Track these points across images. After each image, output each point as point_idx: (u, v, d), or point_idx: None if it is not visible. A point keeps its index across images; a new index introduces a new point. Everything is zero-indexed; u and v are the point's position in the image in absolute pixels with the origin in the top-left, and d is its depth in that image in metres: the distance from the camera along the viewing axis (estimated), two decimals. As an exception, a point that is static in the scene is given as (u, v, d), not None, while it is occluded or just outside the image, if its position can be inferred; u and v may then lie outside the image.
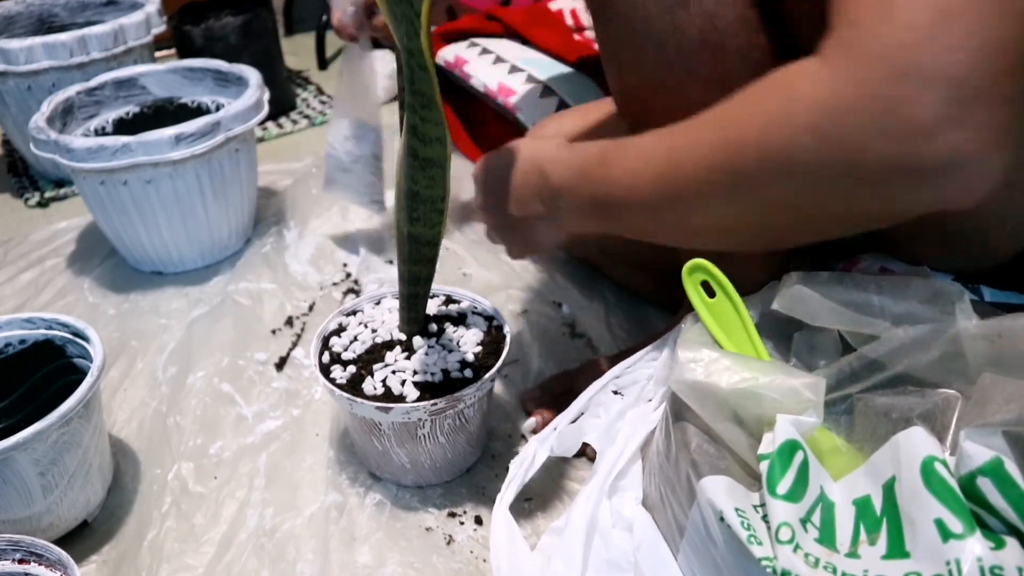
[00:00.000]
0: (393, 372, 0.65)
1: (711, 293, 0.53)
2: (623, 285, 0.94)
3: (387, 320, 0.71)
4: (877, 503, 0.42)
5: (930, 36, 0.37)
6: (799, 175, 0.42)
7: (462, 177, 1.20)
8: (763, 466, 0.43)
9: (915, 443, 0.41)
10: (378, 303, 0.74)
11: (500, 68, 1.18)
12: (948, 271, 0.56)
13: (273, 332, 0.91)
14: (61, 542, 0.65)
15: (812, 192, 0.42)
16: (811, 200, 0.43)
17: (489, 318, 0.72)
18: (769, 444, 0.44)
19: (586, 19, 1.27)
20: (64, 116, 1.04)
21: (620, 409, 0.62)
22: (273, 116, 1.49)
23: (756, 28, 0.52)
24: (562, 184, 0.57)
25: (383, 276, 1.00)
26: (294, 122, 1.48)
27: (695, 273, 0.53)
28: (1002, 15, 0.37)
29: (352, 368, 0.66)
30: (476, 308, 0.73)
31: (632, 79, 0.58)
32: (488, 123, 1.23)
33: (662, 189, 0.49)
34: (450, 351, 0.67)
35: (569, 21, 1.29)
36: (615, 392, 0.64)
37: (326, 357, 0.69)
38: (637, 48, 0.55)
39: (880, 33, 0.38)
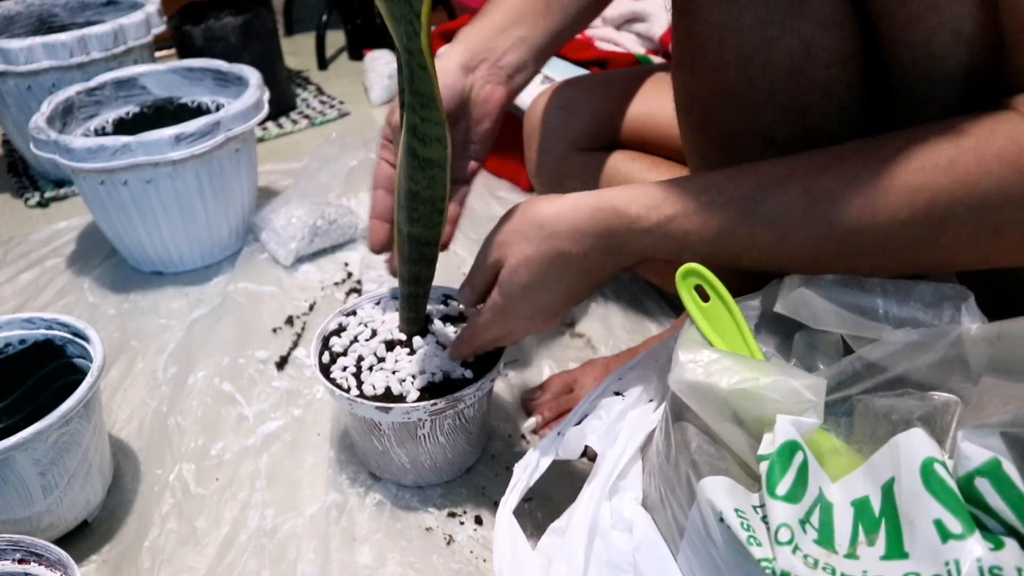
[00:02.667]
0: (393, 372, 0.65)
1: (706, 297, 0.53)
2: (634, 273, 0.92)
3: (387, 320, 0.71)
4: (876, 504, 0.42)
5: None
6: (997, 225, 0.42)
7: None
8: (763, 467, 0.43)
9: (915, 444, 0.41)
10: (378, 303, 0.75)
11: (500, 67, 1.18)
12: None
13: (274, 331, 0.91)
14: (61, 542, 0.65)
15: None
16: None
17: (489, 318, 0.72)
18: (769, 445, 0.44)
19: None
20: (64, 116, 1.04)
21: (621, 410, 0.62)
22: (273, 116, 1.49)
23: (850, 64, 0.48)
24: (631, 208, 0.51)
25: (383, 276, 1.00)
26: (294, 122, 1.48)
27: (689, 277, 0.53)
28: None
29: (352, 368, 0.66)
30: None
31: (706, 86, 0.54)
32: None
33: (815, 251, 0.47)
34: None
35: (569, 20, 1.28)
36: (616, 393, 0.64)
37: (326, 357, 0.69)
38: (720, 57, 0.51)
39: None
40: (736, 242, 0.49)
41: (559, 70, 1.14)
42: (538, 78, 1.12)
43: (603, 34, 1.24)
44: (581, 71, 1.14)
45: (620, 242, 0.52)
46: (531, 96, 1.10)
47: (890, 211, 0.44)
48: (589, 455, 0.70)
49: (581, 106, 0.81)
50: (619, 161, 0.80)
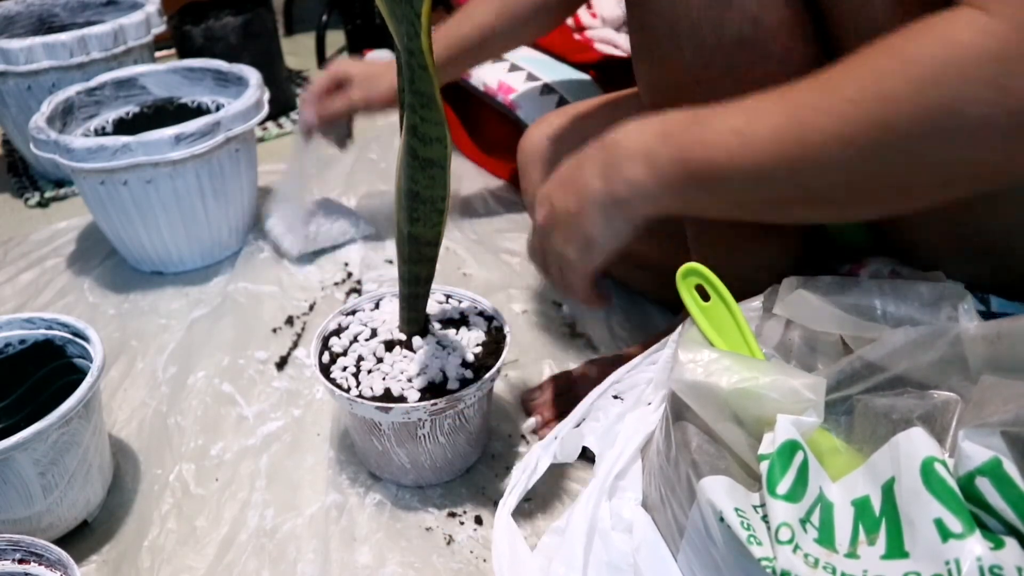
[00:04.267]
0: (393, 372, 0.65)
1: (706, 297, 0.53)
2: (624, 283, 0.94)
3: (387, 320, 0.71)
4: (876, 503, 0.42)
5: None
6: (966, 130, 0.40)
7: (462, 176, 1.20)
8: (763, 466, 0.43)
9: (915, 444, 0.41)
10: (378, 303, 0.75)
11: (500, 66, 1.18)
12: (963, 279, 0.55)
13: (274, 331, 0.91)
14: (61, 542, 0.65)
15: (973, 145, 0.41)
16: (970, 155, 0.42)
17: (489, 318, 0.72)
18: (769, 444, 0.44)
19: (586, 19, 1.27)
20: (64, 116, 1.04)
21: (619, 412, 0.62)
22: (273, 116, 1.49)
23: (798, 32, 0.51)
24: (638, 150, 0.50)
25: (383, 275, 1.00)
26: (294, 122, 1.48)
27: (689, 277, 0.53)
28: None
29: (352, 368, 0.66)
30: (476, 308, 0.73)
31: (665, 74, 0.56)
32: (488, 122, 1.23)
33: (783, 150, 0.46)
34: (450, 351, 0.67)
35: (569, 21, 1.29)
36: (615, 396, 0.64)
37: (326, 357, 0.69)
38: (674, 42, 0.54)
39: None
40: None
41: (559, 72, 1.14)
42: (537, 87, 1.12)
43: (602, 35, 1.24)
44: (580, 74, 1.14)
45: (618, 165, 0.52)
46: (531, 100, 1.11)
47: (827, 119, 0.44)
48: (589, 456, 0.71)
49: (574, 135, 0.81)
50: None
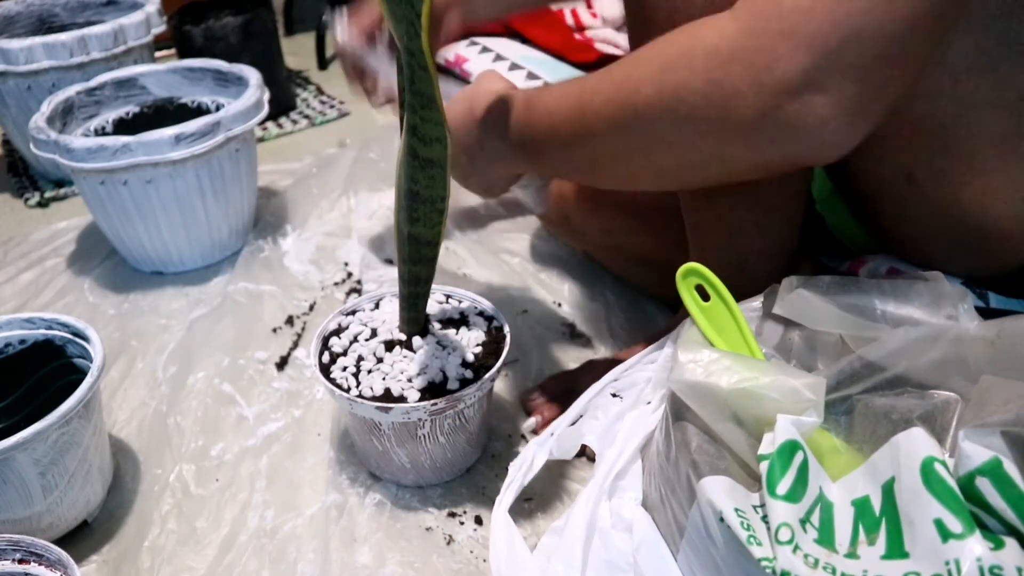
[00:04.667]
0: (393, 372, 0.65)
1: (706, 297, 0.53)
2: (624, 279, 0.94)
3: (387, 320, 0.71)
4: (876, 503, 0.42)
5: (821, 7, 0.40)
6: (684, 116, 0.46)
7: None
8: (763, 466, 0.43)
9: (915, 443, 0.41)
10: (378, 303, 0.74)
11: (500, 66, 1.18)
12: (960, 275, 0.55)
13: (274, 331, 0.91)
14: (61, 542, 0.65)
15: (693, 133, 0.46)
16: (693, 141, 0.47)
17: (489, 318, 0.72)
18: (769, 444, 0.44)
19: (586, 18, 1.27)
20: (64, 116, 1.04)
21: (618, 411, 0.62)
22: (273, 116, 1.49)
23: None
24: (502, 125, 0.62)
25: (383, 275, 1.00)
26: (294, 122, 1.48)
27: (689, 277, 0.53)
28: (889, 6, 0.40)
29: (352, 368, 0.66)
30: (476, 308, 0.73)
31: None
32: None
33: (572, 125, 0.54)
34: (450, 351, 0.67)
35: (569, 20, 1.29)
36: (613, 395, 0.64)
37: (326, 357, 0.69)
38: (671, 22, 0.53)
39: None
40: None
41: (559, 71, 1.14)
42: (538, 86, 1.12)
43: (603, 35, 1.24)
44: (580, 74, 1.14)
45: (479, 133, 0.64)
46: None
47: (600, 99, 0.52)
48: (588, 455, 0.71)
49: None
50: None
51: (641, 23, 0.57)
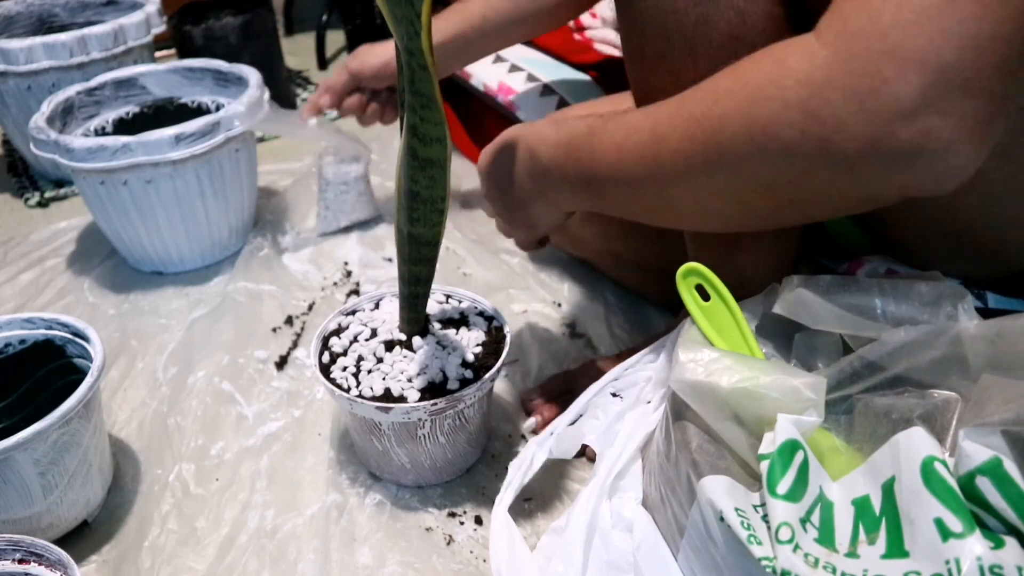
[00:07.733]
0: (393, 372, 0.65)
1: (706, 297, 0.53)
2: (624, 285, 0.94)
3: (387, 320, 0.71)
4: (876, 503, 0.42)
5: (926, 18, 0.36)
6: (779, 152, 0.41)
7: (462, 176, 1.20)
8: (763, 466, 0.43)
9: (915, 443, 0.41)
10: (378, 303, 0.74)
11: (500, 67, 1.18)
12: (958, 276, 0.55)
13: (273, 331, 0.91)
14: (61, 542, 0.65)
15: (791, 170, 0.42)
16: (790, 179, 0.42)
17: (489, 318, 0.72)
18: (769, 444, 0.44)
19: (586, 19, 1.27)
20: (64, 116, 1.04)
21: (619, 411, 0.62)
22: (273, 116, 1.49)
23: (782, 27, 0.51)
24: (550, 160, 0.58)
25: (383, 275, 1.00)
26: (294, 122, 1.48)
27: (689, 277, 0.53)
28: (1003, 6, 0.36)
29: (352, 368, 0.66)
30: (476, 308, 0.73)
31: (656, 74, 0.57)
32: (488, 123, 1.23)
33: (645, 163, 0.49)
34: (450, 351, 0.67)
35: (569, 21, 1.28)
36: (614, 395, 0.64)
37: (326, 357, 0.69)
38: (664, 42, 0.54)
39: (877, 10, 0.38)
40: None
41: (559, 73, 1.14)
42: (537, 88, 1.12)
43: (602, 35, 1.24)
44: (581, 75, 1.14)
45: (540, 171, 0.60)
46: (531, 102, 1.11)
47: (677, 135, 0.47)
48: (588, 455, 0.71)
49: None
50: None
51: (628, 20, 0.57)
